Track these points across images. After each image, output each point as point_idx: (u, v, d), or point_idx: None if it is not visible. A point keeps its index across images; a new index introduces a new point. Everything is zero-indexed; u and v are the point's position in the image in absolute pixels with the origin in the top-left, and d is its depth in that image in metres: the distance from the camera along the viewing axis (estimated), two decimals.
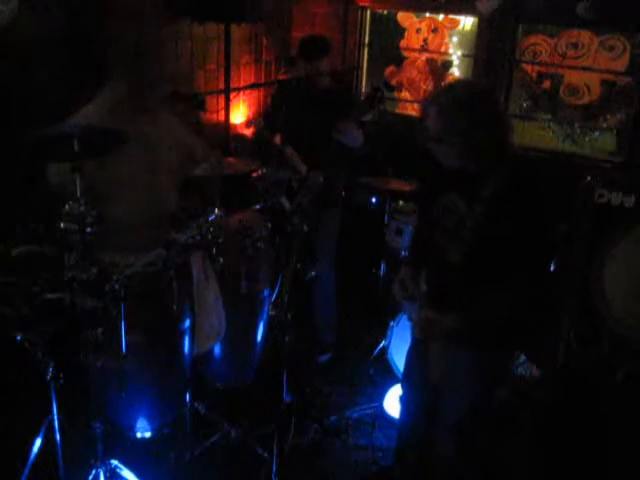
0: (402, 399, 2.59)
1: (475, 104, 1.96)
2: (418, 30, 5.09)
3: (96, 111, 2.55)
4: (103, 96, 2.60)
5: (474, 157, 1.99)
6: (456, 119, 1.94)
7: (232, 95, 4.46)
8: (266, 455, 2.70)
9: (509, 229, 1.93)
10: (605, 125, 4.58)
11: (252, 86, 5.00)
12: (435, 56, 5.13)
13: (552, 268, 2.96)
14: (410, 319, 2.28)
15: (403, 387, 2.58)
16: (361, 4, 5.03)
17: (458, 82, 2.10)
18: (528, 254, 1.95)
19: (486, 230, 1.98)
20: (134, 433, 2.58)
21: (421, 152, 2.06)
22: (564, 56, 4.47)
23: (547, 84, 4.72)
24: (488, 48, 4.59)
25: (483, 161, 1.99)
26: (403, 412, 2.59)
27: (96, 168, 2.38)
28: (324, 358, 3.69)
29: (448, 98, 1.96)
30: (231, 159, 3.04)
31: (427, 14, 5.03)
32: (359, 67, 5.24)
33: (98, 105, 2.58)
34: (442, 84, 1.99)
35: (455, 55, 5.15)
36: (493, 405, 2.57)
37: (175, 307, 2.48)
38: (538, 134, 4.82)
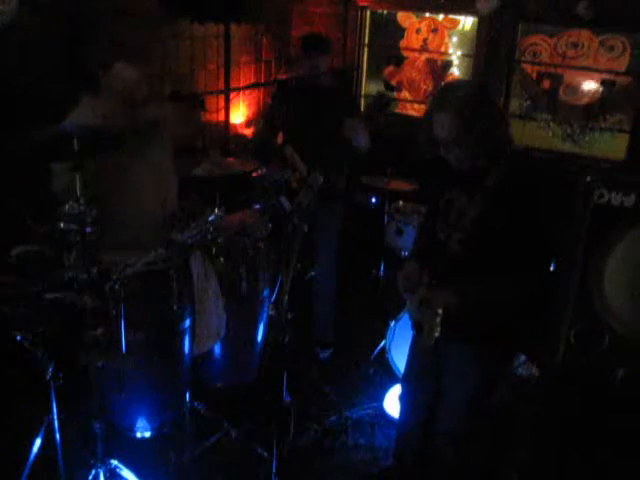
0: (402, 398, 2.60)
1: (484, 102, 2.00)
2: (418, 30, 5.10)
3: (91, 110, 2.55)
4: (98, 96, 2.60)
5: (486, 154, 2.02)
6: (472, 121, 1.95)
7: (232, 95, 4.47)
8: (266, 455, 2.70)
9: (507, 220, 1.97)
10: (605, 125, 4.58)
11: (252, 86, 5.01)
12: (435, 56, 5.13)
13: (552, 268, 2.96)
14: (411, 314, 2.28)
15: (403, 386, 2.59)
16: (361, 4, 5.03)
17: (455, 85, 2.12)
18: (525, 246, 1.98)
19: (485, 220, 2.02)
20: (134, 433, 2.58)
21: (423, 155, 2.09)
22: (564, 56, 4.47)
23: (547, 84, 4.72)
24: (488, 48, 4.59)
25: (492, 156, 2.03)
26: (403, 411, 2.59)
27: (105, 168, 2.40)
28: (324, 354, 3.69)
29: (457, 102, 1.97)
30: (231, 159, 3.04)
31: (427, 14, 5.03)
32: (359, 67, 5.25)
33: (92, 104, 2.58)
34: (437, 87, 2.03)
35: (455, 55, 5.15)
36: (493, 406, 2.57)
37: (175, 307, 2.48)
38: (538, 134, 4.82)
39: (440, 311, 2.02)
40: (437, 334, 2.04)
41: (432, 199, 2.32)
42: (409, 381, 2.54)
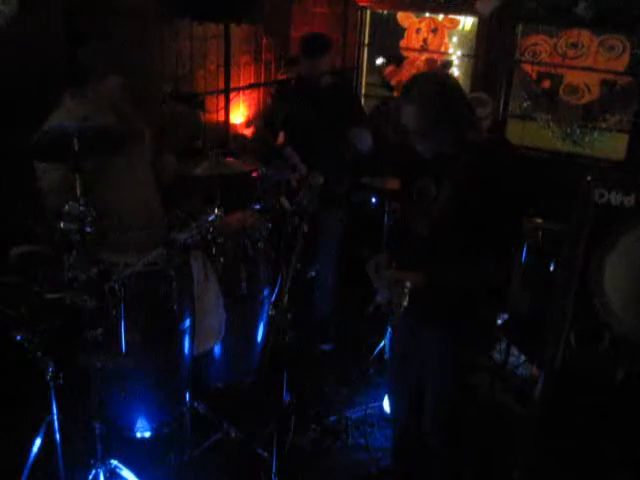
0: (389, 393, 2.60)
1: (449, 93, 2.05)
2: (418, 30, 5.10)
3: (71, 112, 2.54)
4: (94, 94, 2.60)
5: (454, 142, 2.07)
6: (437, 111, 2.01)
7: (232, 95, 4.46)
8: (266, 455, 2.70)
9: (472, 207, 2.00)
10: (605, 125, 4.59)
11: (252, 86, 5.00)
12: (435, 56, 5.13)
13: (552, 268, 2.96)
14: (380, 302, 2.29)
15: (388, 380, 2.59)
16: (361, 4, 5.03)
17: (421, 77, 2.17)
18: (489, 232, 2.00)
19: (453, 204, 2.07)
20: (134, 433, 2.58)
21: (391, 147, 2.16)
22: (564, 56, 4.47)
23: (547, 84, 4.72)
24: (488, 48, 4.59)
25: (460, 144, 2.07)
26: (392, 407, 2.60)
27: (97, 167, 2.39)
28: (327, 347, 3.69)
29: (423, 94, 2.02)
30: (231, 159, 3.04)
31: (427, 14, 5.03)
32: (359, 67, 5.25)
33: (72, 106, 2.57)
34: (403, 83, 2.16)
35: (455, 55, 5.15)
36: (471, 392, 2.58)
37: (175, 307, 2.48)
38: (538, 134, 4.83)
39: (408, 284, 2.06)
40: (405, 303, 2.06)
41: (404, 189, 2.37)
42: (392, 374, 2.54)
